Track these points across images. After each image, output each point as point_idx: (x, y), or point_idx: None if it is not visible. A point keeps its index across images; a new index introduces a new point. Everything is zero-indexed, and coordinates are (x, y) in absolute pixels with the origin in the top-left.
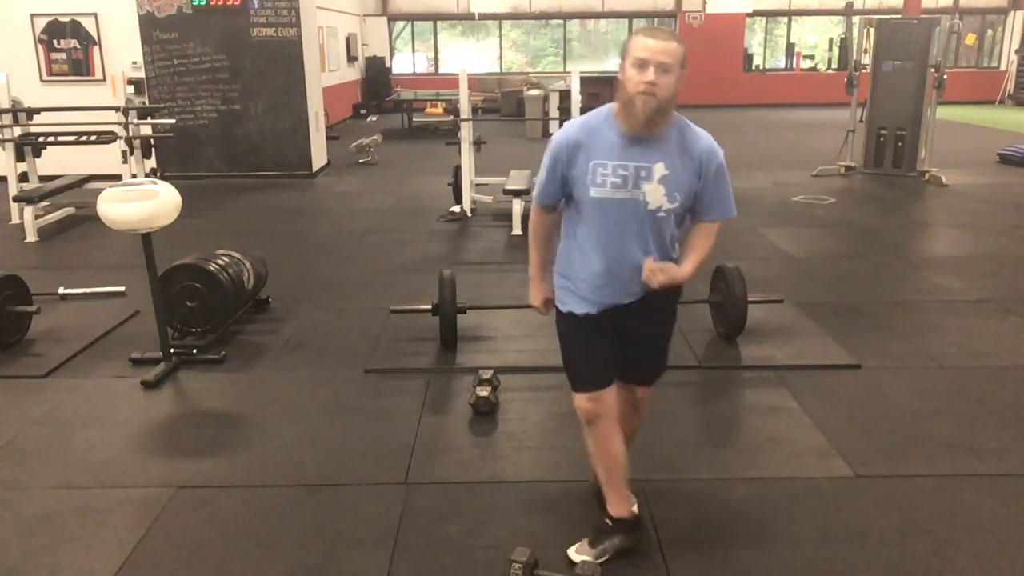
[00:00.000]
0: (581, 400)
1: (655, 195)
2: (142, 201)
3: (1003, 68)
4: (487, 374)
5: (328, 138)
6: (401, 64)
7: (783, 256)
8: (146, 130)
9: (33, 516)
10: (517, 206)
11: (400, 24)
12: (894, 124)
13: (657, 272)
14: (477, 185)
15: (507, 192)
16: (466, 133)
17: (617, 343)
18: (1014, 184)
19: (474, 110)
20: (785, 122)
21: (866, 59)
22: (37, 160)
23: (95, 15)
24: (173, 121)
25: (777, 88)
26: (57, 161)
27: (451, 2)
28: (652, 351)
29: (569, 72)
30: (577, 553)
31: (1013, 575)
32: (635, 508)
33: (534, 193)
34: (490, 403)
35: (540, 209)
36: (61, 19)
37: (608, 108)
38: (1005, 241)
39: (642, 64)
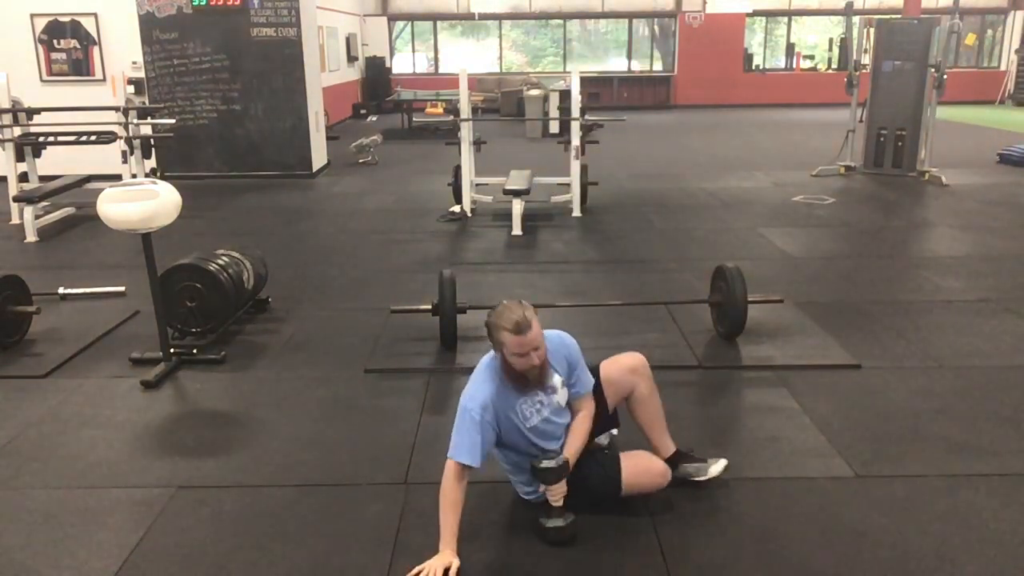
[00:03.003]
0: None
1: (563, 396)
2: (142, 201)
3: (1003, 68)
4: None
5: (328, 138)
6: (401, 64)
7: (783, 256)
8: (146, 130)
9: (33, 516)
10: (517, 206)
11: (400, 24)
12: (894, 124)
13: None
14: (477, 185)
15: (507, 192)
16: (466, 133)
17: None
18: (1014, 184)
19: (474, 110)
20: (785, 122)
21: (866, 59)
22: (37, 160)
23: (95, 15)
24: (173, 121)
25: (777, 88)
26: (57, 161)
27: (451, 2)
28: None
29: (569, 72)
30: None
31: (1013, 575)
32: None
33: (453, 454)
34: None
35: (458, 471)
36: (61, 19)
37: (493, 368)
38: (1005, 241)
39: (521, 354)
